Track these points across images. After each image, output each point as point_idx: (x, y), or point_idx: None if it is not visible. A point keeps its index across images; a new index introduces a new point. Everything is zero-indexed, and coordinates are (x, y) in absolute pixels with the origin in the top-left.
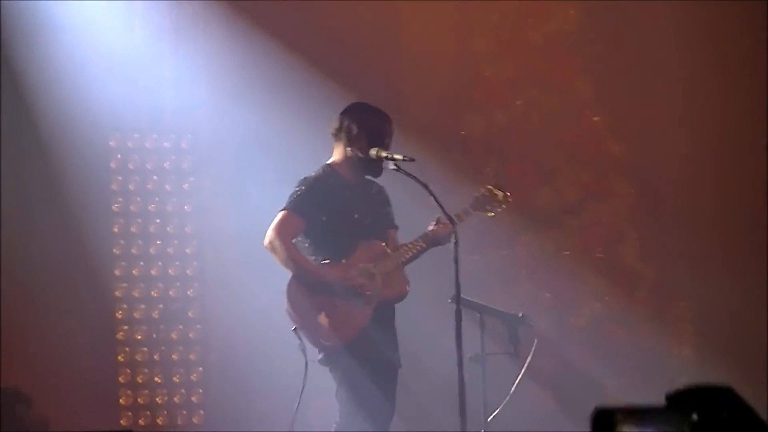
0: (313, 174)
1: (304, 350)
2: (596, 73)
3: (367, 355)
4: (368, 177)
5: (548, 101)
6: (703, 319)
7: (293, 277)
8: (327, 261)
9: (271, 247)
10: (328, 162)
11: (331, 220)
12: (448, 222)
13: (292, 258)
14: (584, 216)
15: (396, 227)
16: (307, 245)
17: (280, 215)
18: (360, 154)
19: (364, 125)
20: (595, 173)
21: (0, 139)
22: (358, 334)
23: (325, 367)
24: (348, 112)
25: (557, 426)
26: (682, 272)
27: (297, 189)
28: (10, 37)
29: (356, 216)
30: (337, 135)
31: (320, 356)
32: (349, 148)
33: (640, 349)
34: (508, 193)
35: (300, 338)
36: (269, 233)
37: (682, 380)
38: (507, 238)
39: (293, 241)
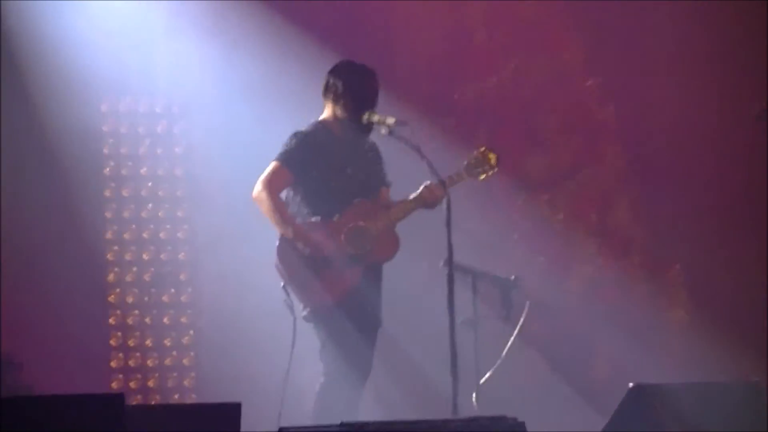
0: (304, 128)
1: (291, 306)
2: (588, 37)
3: (353, 313)
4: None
5: (540, 66)
6: (696, 282)
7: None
8: (317, 218)
9: (258, 198)
10: (319, 119)
11: (323, 176)
12: (440, 186)
13: (275, 211)
14: (577, 180)
15: (389, 185)
16: (298, 199)
17: (270, 167)
18: (347, 113)
19: (350, 83)
20: (588, 137)
21: None
22: (344, 295)
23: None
24: (334, 71)
25: (549, 389)
26: (675, 235)
27: (287, 142)
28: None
29: (349, 171)
30: (325, 93)
31: (305, 312)
32: (336, 106)
33: (633, 311)
34: (499, 156)
35: (288, 294)
36: (257, 184)
37: (675, 343)
38: (500, 202)
39: (283, 194)
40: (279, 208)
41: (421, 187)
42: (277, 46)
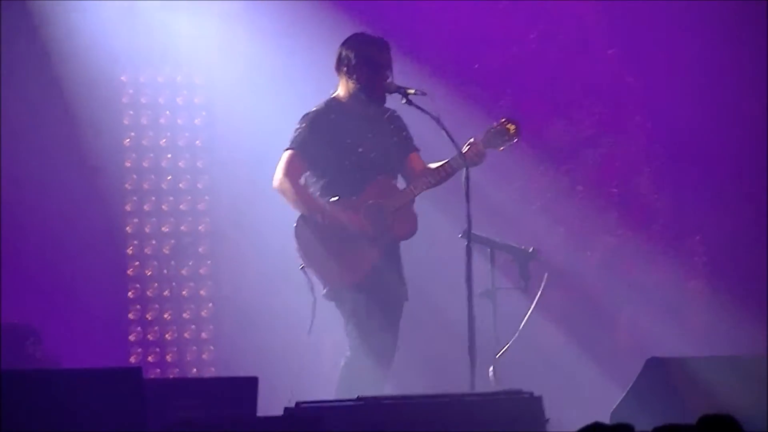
0: (314, 109)
1: (312, 289)
2: (610, 5)
3: (374, 290)
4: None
5: (563, 34)
6: (716, 253)
7: (301, 215)
8: (336, 198)
9: (281, 188)
10: (332, 95)
11: (336, 155)
12: (479, 146)
13: (300, 199)
14: (598, 150)
15: (417, 149)
16: (314, 181)
17: (285, 155)
18: (360, 84)
19: (362, 55)
20: (610, 107)
21: (12, 75)
22: (364, 274)
23: (331, 302)
24: (346, 43)
25: (568, 362)
26: (696, 206)
27: (298, 126)
28: None
29: (360, 150)
30: (338, 67)
31: (324, 291)
32: (350, 80)
33: (654, 283)
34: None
35: (308, 277)
36: (276, 175)
37: (695, 315)
38: (520, 171)
39: (302, 179)
40: (303, 195)
41: (464, 148)
42: (299, 19)
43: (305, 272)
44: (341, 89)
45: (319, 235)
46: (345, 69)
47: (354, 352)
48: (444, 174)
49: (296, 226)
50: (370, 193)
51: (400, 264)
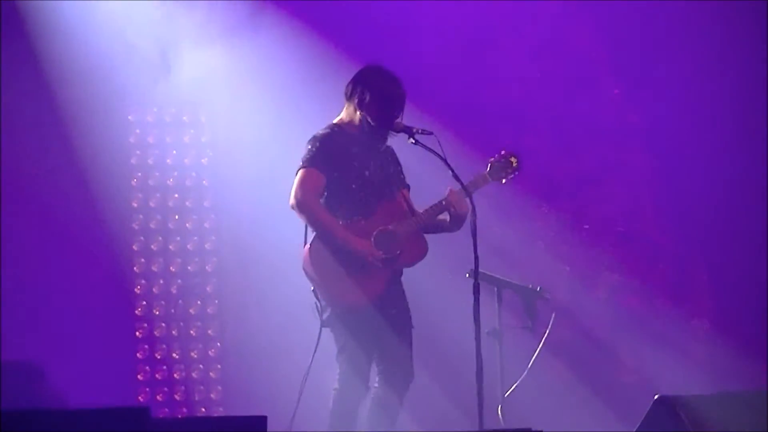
0: (321, 131)
1: (320, 311)
2: (615, 44)
3: (382, 314)
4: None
5: (566, 71)
6: (721, 290)
7: (316, 236)
8: (346, 222)
9: (298, 207)
10: (334, 121)
11: (344, 177)
12: (460, 196)
13: (320, 218)
14: (602, 187)
15: (407, 186)
16: (322, 202)
17: (300, 174)
18: (373, 120)
19: (377, 92)
20: (614, 144)
21: (17, 105)
22: (372, 299)
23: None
24: (363, 76)
25: (575, 399)
26: (700, 243)
27: (309, 146)
28: (28, 11)
29: (366, 173)
30: (350, 98)
31: (325, 316)
32: (359, 112)
33: (659, 320)
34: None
35: (318, 298)
36: (294, 193)
37: (700, 352)
38: (524, 210)
39: (320, 197)
40: (324, 215)
41: (447, 191)
42: (300, 48)
43: (316, 295)
44: (346, 115)
45: (332, 256)
46: (357, 101)
47: (342, 386)
48: (440, 210)
49: (311, 244)
50: (380, 217)
51: (403, 290)
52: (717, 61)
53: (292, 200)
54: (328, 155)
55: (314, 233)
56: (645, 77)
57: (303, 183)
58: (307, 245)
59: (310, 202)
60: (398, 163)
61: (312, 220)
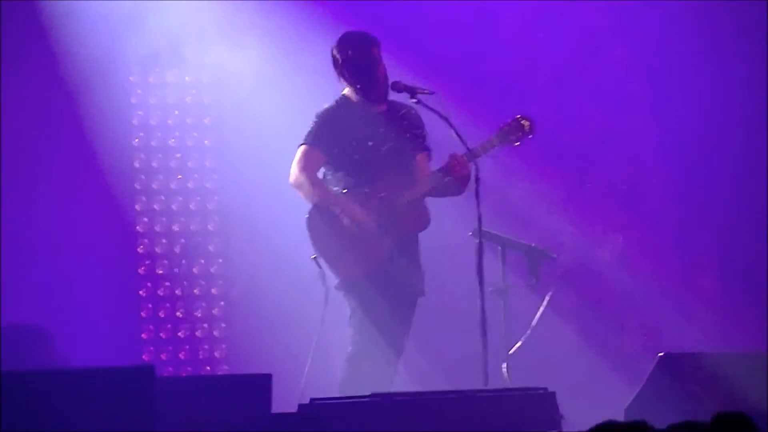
0: (326, 106)
1: (323, 278)
2: (619, 10)
3: (386, 281)
4: (392, 99)
5: (569, 37)
6: (726, 251)
7: (313, 207)
8: (345, 191)
9: (297, 183)
10: (342, 93)
11: (344, 151)
12: (464, 156)
13: (317, 192)
14: (607, 151)
15: (427, 150)
16: (325, 175)
17: (299, 151)
18: (355, 84)
19: (347, 55)
20: (619, 107)
21: (18, 76)
22: (378, 264)
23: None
24: (336, 46)
25: (580, 359)
26: (705, 204)
27: (311, 123)
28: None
29: (371, 143)
30: (335, 70)
31: (337, 281)
32: (346, 80)
33: (663, 281)
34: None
35: (320, 266)
36: (293, 170)
37: (705, 312)
38: (529, 171)
39: (318, 173)
40: (320, 188)
41: (448, 158)
42: (308, 18)
43: (317, 262)
44: (344, 87)
45: (332, 227)
46: (339, 70)
47: (355, 347)
48: (441, 177)
49: (308, 217)
50: (380, 187)
51: (417, 258)
52: (721, 29)
53: (291, 178)
54: (328, 130)
55: (312, 207)
56: (648, 42)
57: (299, 160)
58: (306, 216)
59: (306, 179)
60: (419, 126)
61: (310, 196)
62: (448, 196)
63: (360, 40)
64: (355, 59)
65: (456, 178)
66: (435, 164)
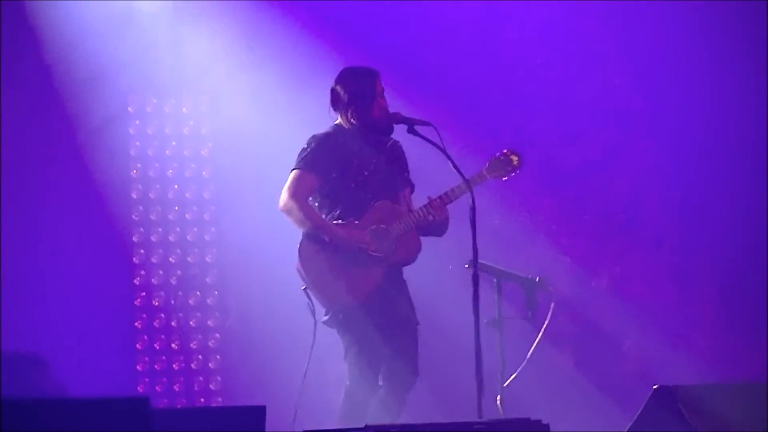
0: (322, 131)
1: (313, 311)
2: (618, 31)
3: (381, 311)
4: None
5: (569, 59)
6: (725, 280)
7: (305, 235)
8: (339, 222)
9: (287, 208)
10: (336, 122)
11: (341, 177)
12: (437, 203)
13: (308, 218)
14: (605, 176)
15: (411, 186)
16: (317, 203)
17: (291, 175)
18: (358, 119)
19: (352, 90)
20: (617, 131)
21: (15, 105)
22: (369, 295)
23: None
24: (337, 81)
25: (575, 390)
26: (703, 232)
27: (306, 147)
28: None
29: (366, 173)
30: (334, 106)
31: (326, 318)
32: (347, 115)
33: (661, 310)
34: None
35: (309, 298)
36: (283, 195)
37: (703, 342)
38: (526, 199)
39: (309, 199)
40: (310, 214)
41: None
42: (304, 48)
43: (307, 294)
44: (343, 123)
45: (323, 255)
46: (340, 106)
47: (353, 383)
48: (426, 217)
49: (300, 246)
50: (373, 216)
51: (405, 288)
52: (720, 49)
53: (281, 203)
54: (326, 156)
55: (303, 234)
56: (647, 65)
57: (291, 185)
58: (298, 247)
59: (298, 205)
60: (402, 160)
61: (299, 222)
62: (429, 236)
63: (364, 73)
64: (364, 94)
65: (434, 221)
66: (425, 192)
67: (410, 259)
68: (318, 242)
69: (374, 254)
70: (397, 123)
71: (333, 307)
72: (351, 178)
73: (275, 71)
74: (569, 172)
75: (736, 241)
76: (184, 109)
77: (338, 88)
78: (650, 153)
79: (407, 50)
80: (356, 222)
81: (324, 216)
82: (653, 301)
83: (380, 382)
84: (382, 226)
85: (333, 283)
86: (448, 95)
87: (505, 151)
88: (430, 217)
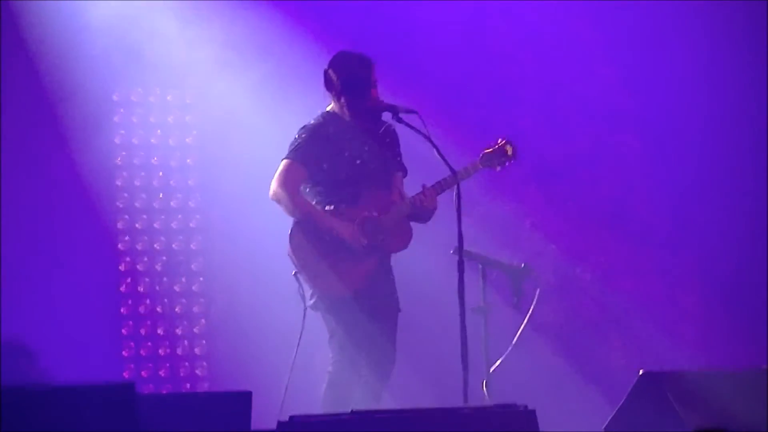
0: (312, 121)
1: (303, 295)
2: (608, 25)
3: (369, 300)
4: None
5: (557, 52)
6: (711, 269)
7: (296, 222)
8: (331, 208)
9: (276, 198)
10: (326, 109)
11: (333, 167)
12: (432, 193)
13: (298, 207)
14: (593, 167)
15: (403, 170)
16: (308, 191)
17: (281, 165)
18: (348, 104)
19: (346, 74)
20: (605, 125)
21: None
22: (364, 282)
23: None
24: (331, 64)
25: (561, 377)
26: (689, 222)
27: (297, 136)
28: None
29: (358, 162)
30: (327, 87)
31: (311, 301)
32: (338, 100)
33: (647, 299)
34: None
35: (300, 283)
36: (273, 184)
37: (689, 331)
38: (513, 188)
39: (300, 188)
40: (301, 203)
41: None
42: (291, 37)
43: (297, 278)
44: (333, 105)
45: (314, 243)
46: (332, 90)
47: (336, 368)
48: (417, 205)
49: (291, 233)
50: (365, 205)
51: (392, 275)
52: (709, 45)
53: (270, 192)
54: (317, 147)
55: (294, 223)
56: (634, 57)
57: (281, 175)
58: (289, 232)
59: (288, 194)
60: (396, 144)
61: (290, 210)
62: (414, 221)
63: (360, 59)
64: (356, 78)
65: (422, 208)
66: (415, 181)
67: (401, 248)
68: (309, 230)
69: (364, 246)
70: (382, 110)
71: (321, 293)
72: (342, 168)
73: (261, 60)
74: (558, 163)
75: (722, 230)
76: (169, 98)
77: (332, 72)
78: (638, 145)
79: (398, 44)
80: (348, 211)
81: (317, 205)
82: (639, 288)
83: (363, 370)
84: (374, 214)
85: (324, 272)
86: (439, 88)
87: (499, 140)
88: (422, 206)
